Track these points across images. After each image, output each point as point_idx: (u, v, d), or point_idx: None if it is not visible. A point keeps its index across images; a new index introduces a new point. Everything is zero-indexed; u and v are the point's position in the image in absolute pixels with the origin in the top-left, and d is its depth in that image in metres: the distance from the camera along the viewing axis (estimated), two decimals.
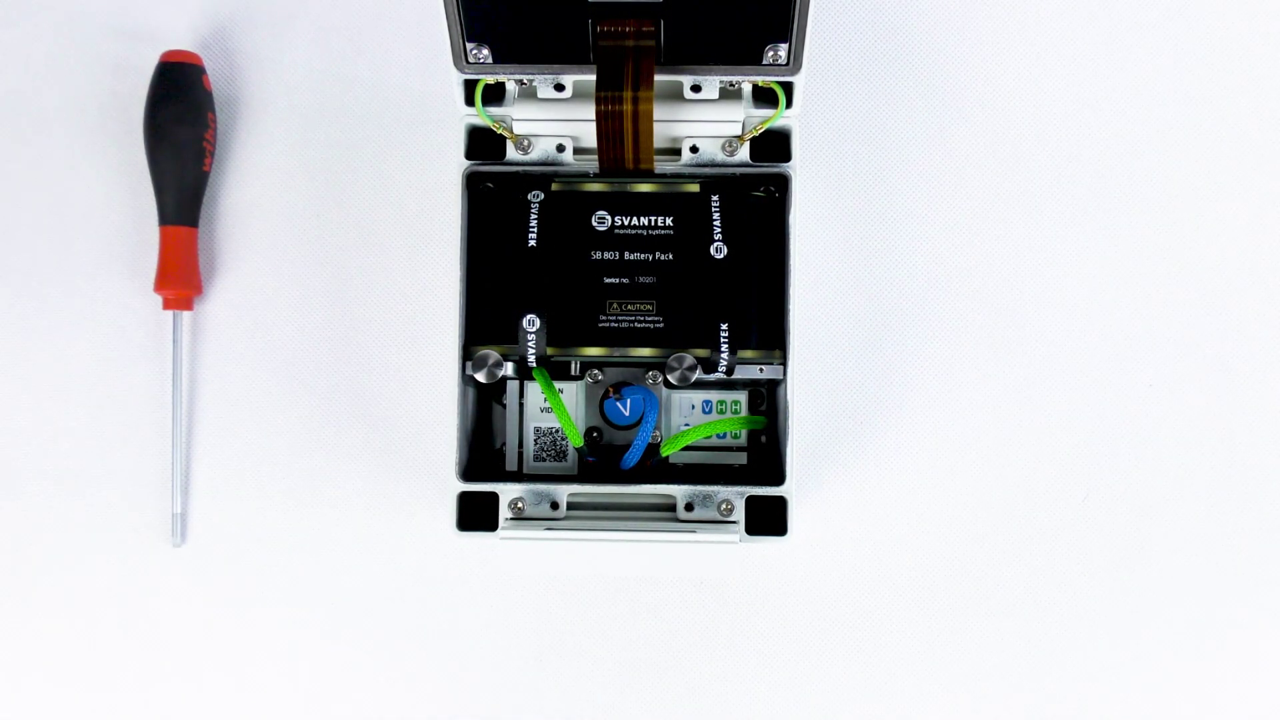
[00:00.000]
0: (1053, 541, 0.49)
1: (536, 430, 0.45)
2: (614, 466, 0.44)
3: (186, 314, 0.49)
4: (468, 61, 0.42)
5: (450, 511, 0.43)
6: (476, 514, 0.43)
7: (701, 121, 0.44)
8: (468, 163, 0.44)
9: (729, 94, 0.44)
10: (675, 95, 0.44)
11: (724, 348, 0.42)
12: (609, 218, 0.43)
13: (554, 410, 0.43)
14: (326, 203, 0.50)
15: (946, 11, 0.51)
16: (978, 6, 0.51)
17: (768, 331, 0.43)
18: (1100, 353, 0.49)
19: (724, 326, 0.42)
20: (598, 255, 0.43)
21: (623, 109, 0.41)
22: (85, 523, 0.49)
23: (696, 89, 0.43)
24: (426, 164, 0.50)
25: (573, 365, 0.45)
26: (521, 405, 0.45)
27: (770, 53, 0.41)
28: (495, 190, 0.44)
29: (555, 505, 0.43)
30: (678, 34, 0.41)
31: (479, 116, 0.44)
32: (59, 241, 0.50)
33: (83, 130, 0.50)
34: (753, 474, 0.45)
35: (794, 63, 0.42)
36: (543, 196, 0.43)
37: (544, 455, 0.45)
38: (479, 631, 0.49)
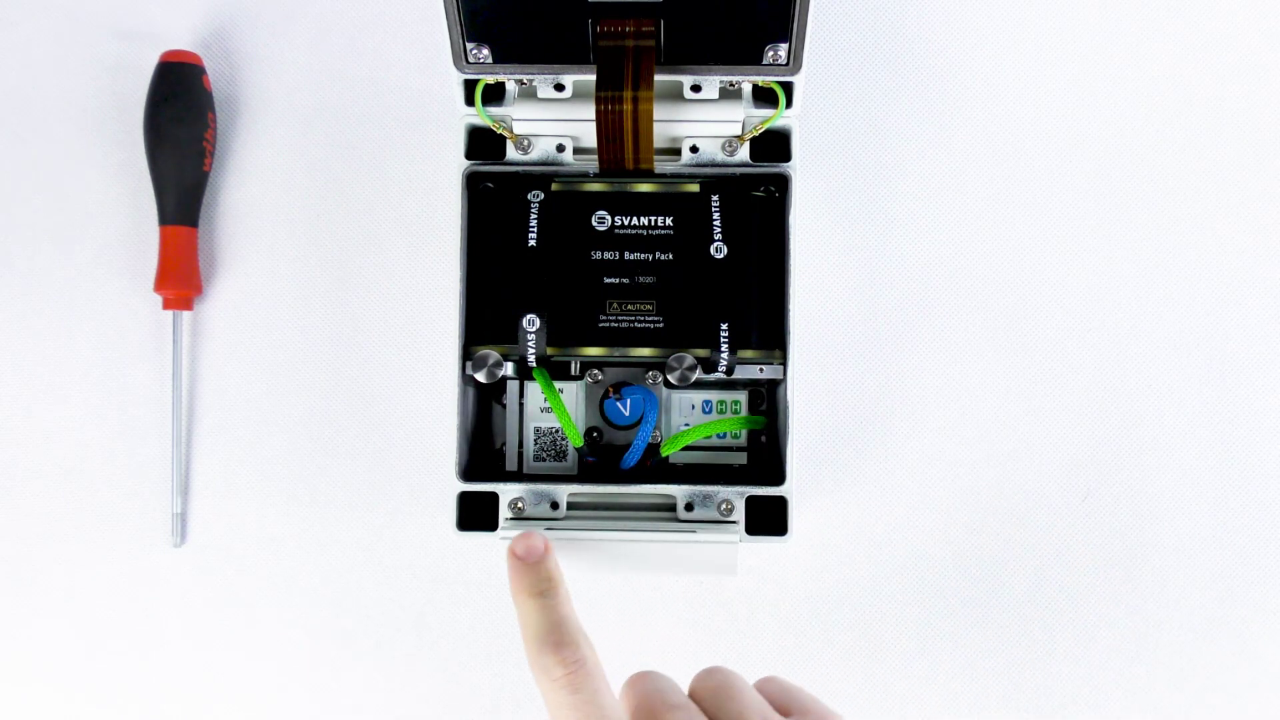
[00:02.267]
0: (1053, 541, 0.49)
1: (536, 430, 0.45)
2: (614, 466, 0.44)
3: (186, 314, 0.49)
4: (468, 61, 0.42)
5: (450, 511, 0.43)
6: (476, 514, 0.43)
7: (701, 121, 0.44)
8: (468, 163, 0.44)
9: (729, 94, 0.44)
10: (675, 95, 0.44)
11: (724, 348, 0.42)
12: (609, 218, 0.43)
13: (554, 410, 0.43)
14: (326, 203, 0.50)
15: (946, 11, 0.51)
16: (977, 6, 0.51)
17: (768, 331, 0.43)
18: (1101, 352, 0.49)
19: (724, 326, 0.42)
20: (598, 255, 0.43)
21: (623, 109, 0.41)
22: (85, 523, 0.49)
23: (696, 89, 0.43)
24: (426, 164, 0.50)
25: (573, 365, 0.45)
26: (521, 405, 0.45)
27: (770, 53, 0.41)
28: (495, 190, 0.44)
29: (555, 505, 0.43)
30: (678, 34, 0.41)
31: (479, 116, 0.44)
32: (59, 241, 0.50)
33: (83, 130, 0.50)
34: (753, 474, 0.45)
35: (794, 63, 0.42)
36: (543, 196, 0.43)
37: (544, 455, 0.45)
38: (479, 631, 0.49)
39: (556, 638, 0.34)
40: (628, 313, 0.42)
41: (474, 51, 0.42)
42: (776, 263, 0.44)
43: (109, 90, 0.50)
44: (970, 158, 0.50)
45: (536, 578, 0.36)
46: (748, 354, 0.43)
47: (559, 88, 0.44)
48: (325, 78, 0.50)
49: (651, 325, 0.42)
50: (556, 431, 0.45)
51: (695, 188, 0.44)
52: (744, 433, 0.46)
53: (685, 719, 0.31)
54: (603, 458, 0.44)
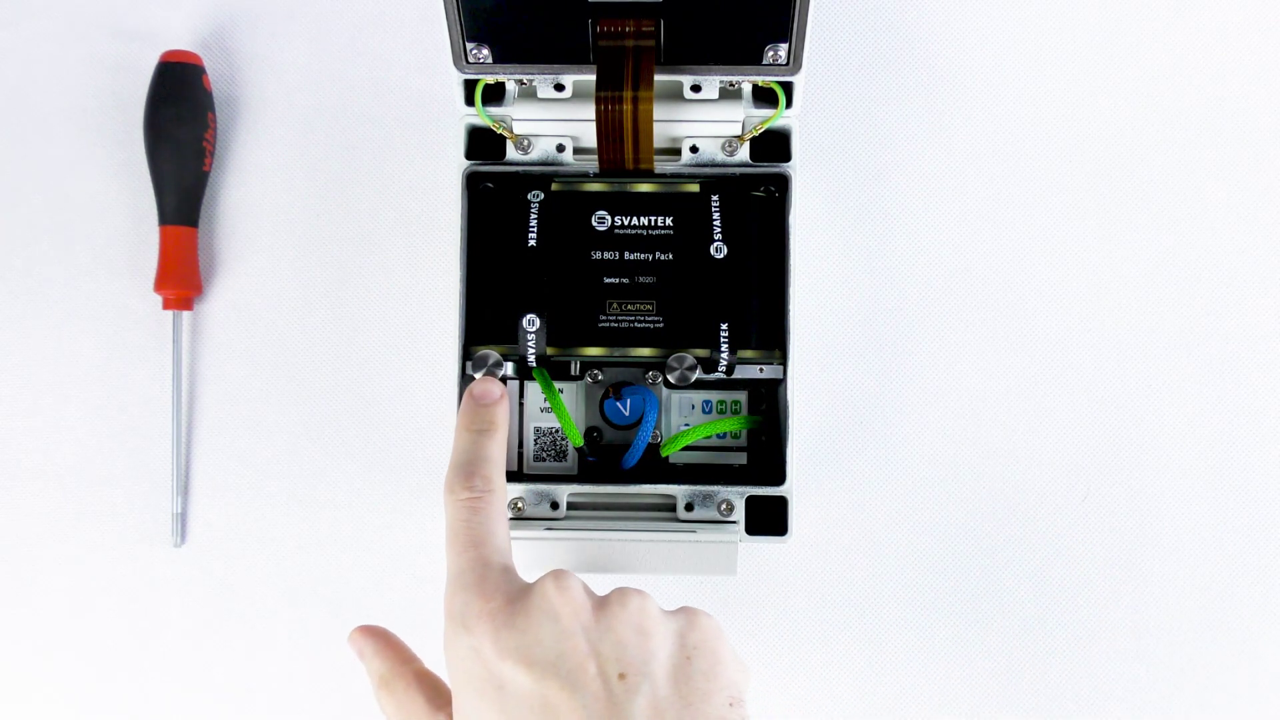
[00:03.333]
0: (1053, 540, 0.49)
1: (536, 430, 0.45)
2: (614, 466, 0.44)
3: (186, 314, 0.49)
4: (468, 61, 0.42)
5: None
6: None
7: (701, 121, 0.44)
8: (468, 163, 0.44)
9: (729, 94, 0.44)
10: (675, 95, 0.44)
11: (724, 347, 0.42)
12: (609, 218, 0.43)
13: (554, 410, 0.43)
14: (326, 202, 0.50)
15: (946, 12, 0.51)
16: (977, 7, 0.51)
17: (767, 331, 0.43)
18: (1100, 352, 0.49)
19: (724, 326, 0.42)
20: (598, 255, 0.43)
21: (623, 109, 0.41)
22: (85, 523, 0.49)
23: (696, 89, 0.43)
24: (426, 164, 0.50)
25: (573, 365, 0.45)
26: (521, 405, 0.45)
27: (770, 53, 0.41)
28: (495, 190, 0.44)
29: (555, 505, 0.43)
30: (678, 34, 0.41)
31: (479, 116, 0.44)
32: (59, 241, 0.50)
33: (83, 130, 0.50)
34: (753, 474, 0.45)
35: (794, 63, 0.42)
36: (543, 196, 0.43)
37: (544, 455, 0.45)
38: None
39: (475, 468, 0.36)
40: (628, 313, 0.42)
41: (474, 51, 0.42)
42: (776, 262, 0.44)
43: (109, 90, 0.50)
44: (970, 158, 0.50)
45: (481, 417, 0.38)
46: (748, 354, 0.43)
47: (559, 88, 0.44)
48: (325, 78, 0.50)
49: (651, 325, 0.42)
50: (556, 431, 0.45)
51: (695, 188, 0.44)
52: (744, 432, 0.46)
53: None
54: (603, 458, 0.44)
